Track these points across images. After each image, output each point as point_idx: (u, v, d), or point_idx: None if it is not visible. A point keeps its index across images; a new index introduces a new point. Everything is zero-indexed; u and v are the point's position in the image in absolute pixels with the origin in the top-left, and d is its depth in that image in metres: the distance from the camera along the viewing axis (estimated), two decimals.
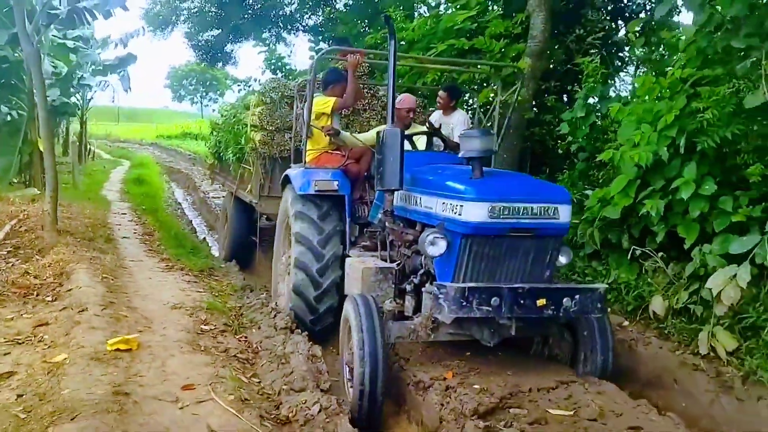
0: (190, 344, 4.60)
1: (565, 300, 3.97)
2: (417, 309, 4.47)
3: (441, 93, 6.61)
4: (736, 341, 4.31)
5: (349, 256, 5.39)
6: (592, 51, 7.48)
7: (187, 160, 21.34)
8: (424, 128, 6.00)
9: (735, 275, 4.26)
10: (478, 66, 7.84)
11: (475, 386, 4.05)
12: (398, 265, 4.82)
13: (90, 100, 20.54)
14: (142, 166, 19.88)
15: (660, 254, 5.13)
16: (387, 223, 4.96)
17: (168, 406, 3.49)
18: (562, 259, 4.39)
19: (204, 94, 71.74)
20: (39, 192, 11.02)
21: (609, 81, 8.00)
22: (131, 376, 3.80)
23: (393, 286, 4.70)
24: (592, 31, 7.83)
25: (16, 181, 13.30)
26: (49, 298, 5.41)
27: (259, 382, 4.21)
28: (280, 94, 7.15)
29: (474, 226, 4.00)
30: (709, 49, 4.86)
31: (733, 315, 4.40)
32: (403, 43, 8.44)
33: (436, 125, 6.18)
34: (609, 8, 8.84)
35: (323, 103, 5.79)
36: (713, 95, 4.81)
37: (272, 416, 3.65)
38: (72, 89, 16.29)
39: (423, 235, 4.18)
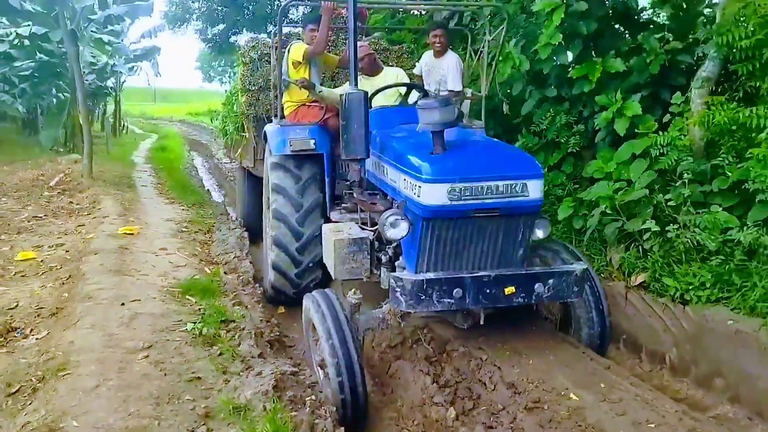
0: (172, 235, 7.37)
1: (537, 286, 3.68)
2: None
3: (436, 31, 5.82)
4: None
5: (329, 219, 5.20)
6: None
7: (209, 133, 24.23)
8: (395, 72, 5.75)
9: None
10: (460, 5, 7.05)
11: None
12: (374, 232, 4.33)
13: (123, 83, 23.64)
14: (167, 138, 23.07)
15: None
16: (356, 193, 4.71)
17: (150, 255, 6.25)
18: (539, 233, 3.98)
19: (231, 75, 74.94)
20: (80, 156, 14.01)
21: None
22: (130, 244, 6.57)
23: (368, 257, 4.30)
24: None
25: (62, 150, 16.38)
26: (85, 213, 8.27)
27: (208, 252, 6.95)
28: (259, 53, 6.91)
29: (433, 209, 3.65)
30: None
31: None
32: None
33: (426, 69, 5.94)
34: None
35: (296, 50, 5.54)
36: None
37: (207, 261, 6.41)
38: (106, 75, 19.29)
39: (382, 216, 3.82)
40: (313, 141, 5.32)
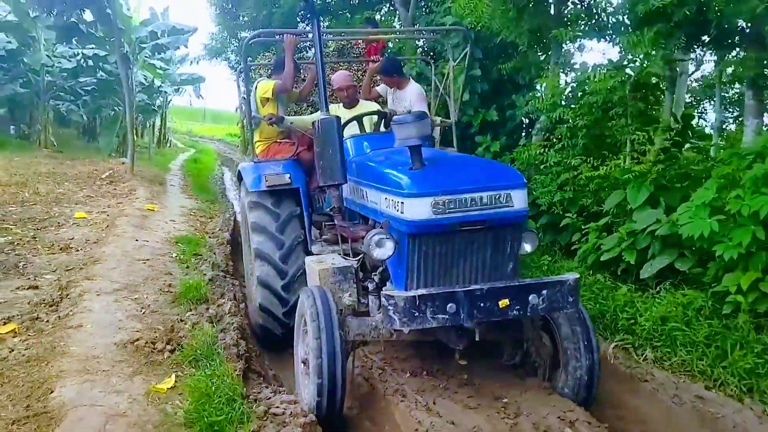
0: (182, 215, 10.19)
1: (531, 297, 3.56)
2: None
3: (384, 78, 6.15)
4: None
5: (311, 253, 5.12)
6: None
7: (240, 152, 27.46)
8: (371, 105, 5.76)
9: None
10: (423, 33, 7.80)
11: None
12: (358, 261, 4.33)
13: (169, 103, 27.13)
14: (203, 153, 26.40)
15: None
16: (337, 220, 4.65)
17: (161, 223, 9.04)
18: (527, 247, 3.96)
19: None
20: (127, 160, 17.12)
21: None
22: (150, 215, 9.38)
23: (354, 285, 4.21)
24: None
25: (114, 154, 19.62)
26: (124, 197, 11.19)
27: (204, 228, 9.71)
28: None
29: (417, 224, 3.61)
30: None
31: None
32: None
33: (390, 101, 6.03)
34: None
35: (264, 87, 5.65)
36: None
37: (201, 231, 9.18)
38: (155, 95, 22.65)
39: (367, 236, 3.75)
40: (288, 176, 5.31)
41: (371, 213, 4.31)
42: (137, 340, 4.25)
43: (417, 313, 3.45)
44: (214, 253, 7.55)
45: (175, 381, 3.74)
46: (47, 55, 17.37)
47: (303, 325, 4.04)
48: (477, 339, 3.79)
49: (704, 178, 5.26)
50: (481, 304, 3.50)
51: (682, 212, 4.82)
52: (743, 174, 4.46)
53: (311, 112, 6.99)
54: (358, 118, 5.28)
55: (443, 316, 3.46)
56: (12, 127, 20.87)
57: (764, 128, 5.40)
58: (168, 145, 29.45)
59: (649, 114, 6.62)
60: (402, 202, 3.69)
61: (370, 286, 4.24)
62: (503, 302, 3.52)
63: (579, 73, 7.51)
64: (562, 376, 4.10)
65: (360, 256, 4.38)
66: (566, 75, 8.81)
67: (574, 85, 7.59)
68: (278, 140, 5.86)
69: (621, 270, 5.68)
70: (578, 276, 3.81)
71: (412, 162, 3.77)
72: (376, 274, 4.21)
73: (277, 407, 3.57)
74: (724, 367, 4.17)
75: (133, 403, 3.40)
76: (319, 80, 4.31)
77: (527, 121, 9.52)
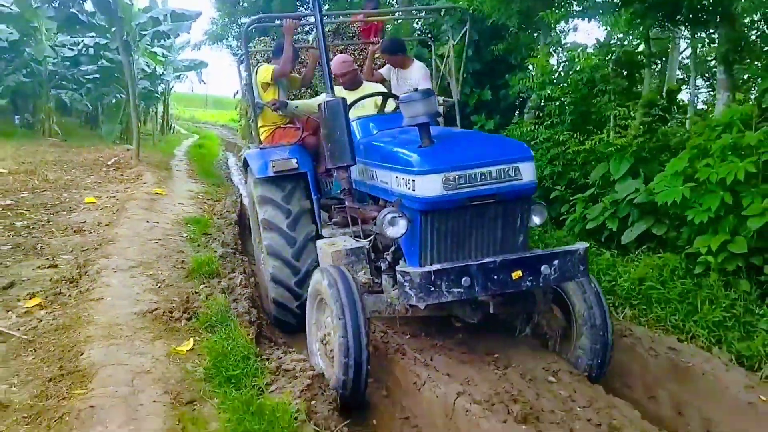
0: (189, 198, 10.54)
1: (543, 267, 3.67)
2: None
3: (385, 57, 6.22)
4: None
5: (321, 237, 5.14)
6: None
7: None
8: (375, 87, 5.75)
9: None
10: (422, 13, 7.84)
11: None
12: (370, 242, 4.43)
13: (171, 89, 27.39)
14: (206, 138, 26.67)
15: None
16: (347, 202, 4.68)
17: (170, 205, 9.39)
18: (536, 220, 4.04)
19: None
20: (131, 146, 17.45)
21: None
22: (159, 198, 9.74)
23: (367, 265, 4.34)
24: None
25: (118, 141, 19.95)
26: (131, 182, 11.55)
27: (212, 209, 10.07)
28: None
29: (429, 201, 3.69)
30: None
31: None
32: None
33: (394, 81, 6.01)
34: None
35: (263, 72, 5.68)
36: None
37: (208, 212, 9.54)
38: (157, 82, 22.92)
39: (380, 216, 3.82)
40: (294, 160, 5.31)
41: (382, 193, 4.34)
42: (155, 309, 4.63)
43: (433, 288, 3.53)
44: (223, 233, 7.92)
45: (193, 344, 4.13)
46: (50, 45, 17.65)
47: (317, 304, 4.13)
48: (492, 312, 3.90)
49: (681, 149, 5.59)
50: (495, 277, 3.59)
51: (658, 181, 5.18)
52: (713, 144, 4.79)
53: (310, 97, 7.02)
54: (363, 99, 5.30)
55: (458, 289, 3.55)
56: (16, 117, 21.20)
57: (733, 102, 5.70)
58: (171, 131, 29.76)
59: (631, 91, 6.95)
60: (413, 180, 3.75)
61: (383, 266, 4.28)
62: (516, 273, 3.61)
63: (566, 53, 7.81)
64: (575, 348, 4.20)
65: (371, 237, 4.47)
66: (556, 55, 9.12)
67: (564, 64, 7.91)
68: (282, 125, 5.90)
69: (605, 237, 6.06)
70: (587, 245, 3.93)
71: (421, 139, 3.83)
72: (388, 254, 4.25)
73: (288, 365, 3.96)
74: (695, 321, 4.56)
75: (156, 362, 3.79)
76: (323, 63, 4.31)
77: (520, 100, 9.80)
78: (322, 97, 4.82)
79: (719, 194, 4.61)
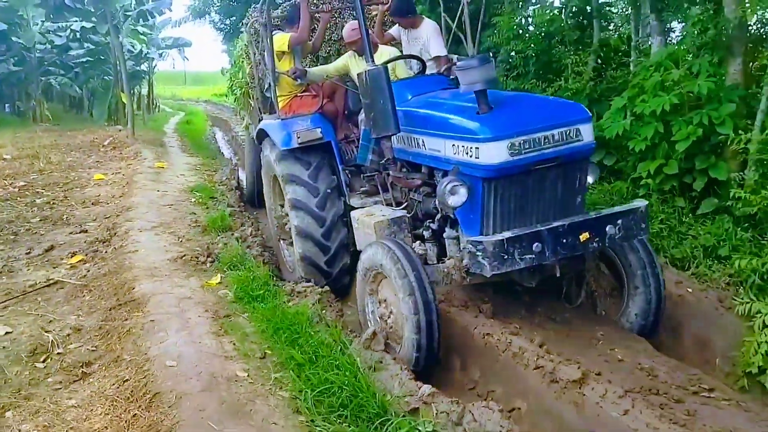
0: (189, 170, 11.28)
1: (608, 228, 3.67)
2: (440, 255, 4.20)
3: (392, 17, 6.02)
4: None
5: (351, 207, 5.08)
6: None
7: (230, 111, 28.23)
8: (390, 50, 5.58)
9: None
10: None
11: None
12: (409, 211, 4.47)
13: (155, 68, 27.81)
14: (192, 115, 27.22)
15: None
16: (391, 171, 4.62)
17: (173, 177, 10.14)
18: (590, 179, 4.04)
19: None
20: (123, 127, 18.07)
21: None
22: (162, 171, 10.48)
23: (409, 235, 4.37)
24: None
25: (107, 123, 20.52)
26: (131, 159, 12.26)
27: (212, 178, 10.82)
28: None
29: (495, 168, 3.62)
30: None
31: None
32: None
33: (405, 41, 5.89)
34: None
35: (279, 40, 5.56)
36: None
37: (210, 181, 10.30)
38: (141, 61, 23.39)
39: (440, 185, 3.75)
40: (319, 130, 5.23)
41: (430, 161, 4.23)
42: (183, 256, 5.46)
43: (506, 256, 3.51)
44: (227, 196, 8.73)
45: (221, 279, 4.97)
46: (39, 33, 18.09)
47: (372, 279, 4.10)
48: (558, 275, 3.97)
49: (624, 89, 6.36)
50: (564, 240, 3.60)
51: (606, 118, 5.98)
52: (647, 82, 5.58)
53: (317, 65, 6.60)
54: (393, 62, 5.12)
55: (530, 255, 3.55)
56: (7, 105, 21.68)
57: (665, 45, 6.47)
58: (157, 110, 30.24)
59: (584, 41, 7.71)
60: (477, 147, 3.65)
61: (426, 234, 4.29)
62: (584, 236, 3.62)
63: (529, 10, 8.53)
64: (628, 306, 4.20)
65: (405, 204, 4.55)
66: (524, 11, 9.79)
67: (526, 20, 8.63)
68: (299, 94, 5.81)
69: None
70: (647, 203, 4.01)
71: (479, 106, 3.74)
72: (432, 222, 4.25)
73: (300, 288, 4.84)
74: None
75: (194, 291, 4.64)
76: (361, 29, 4.21)
77: (490, 55, 10.44)
78: (342, 61, 5.30)
79: (654, 125, 5.42)
